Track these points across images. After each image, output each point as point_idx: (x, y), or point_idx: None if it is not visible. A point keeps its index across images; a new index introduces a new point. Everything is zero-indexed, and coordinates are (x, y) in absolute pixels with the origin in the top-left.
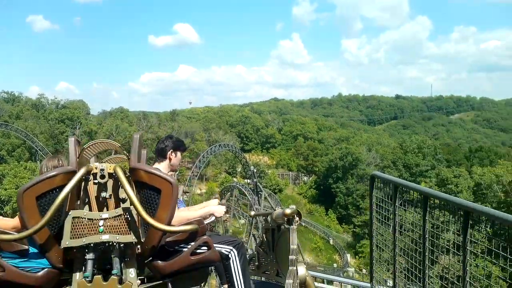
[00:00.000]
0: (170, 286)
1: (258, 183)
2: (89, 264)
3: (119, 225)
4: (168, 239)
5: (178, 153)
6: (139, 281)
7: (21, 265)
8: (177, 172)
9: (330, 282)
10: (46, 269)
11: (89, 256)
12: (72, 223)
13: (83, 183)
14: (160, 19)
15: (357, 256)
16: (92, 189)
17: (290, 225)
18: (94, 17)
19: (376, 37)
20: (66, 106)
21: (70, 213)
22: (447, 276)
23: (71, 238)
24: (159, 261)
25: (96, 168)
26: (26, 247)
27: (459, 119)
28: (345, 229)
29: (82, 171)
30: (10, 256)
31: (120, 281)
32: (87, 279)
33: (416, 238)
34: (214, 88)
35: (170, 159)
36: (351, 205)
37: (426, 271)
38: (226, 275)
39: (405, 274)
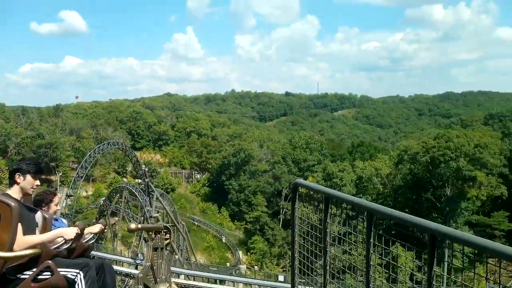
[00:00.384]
0: None
1: (150, 183)
2: None
3: None
4: (9, 266)
5: (28, 176)
6: None
7: None
8: (32, 196)
9: (222, 281)
10: None
11: None
12: None
13: None
14: (44, 4)
15: (249, 253)
16: None
17: (148, 241)
18: None
19: (268, 34)
20: None
21: None
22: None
23: None
24: None
25: None
26: None
27: (342, 115)
28: (237, 226)
29: None
30: None
31: None
32: None
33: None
34: (103, 81)
35: (17, 183)
36: (243, 201)
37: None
38: None
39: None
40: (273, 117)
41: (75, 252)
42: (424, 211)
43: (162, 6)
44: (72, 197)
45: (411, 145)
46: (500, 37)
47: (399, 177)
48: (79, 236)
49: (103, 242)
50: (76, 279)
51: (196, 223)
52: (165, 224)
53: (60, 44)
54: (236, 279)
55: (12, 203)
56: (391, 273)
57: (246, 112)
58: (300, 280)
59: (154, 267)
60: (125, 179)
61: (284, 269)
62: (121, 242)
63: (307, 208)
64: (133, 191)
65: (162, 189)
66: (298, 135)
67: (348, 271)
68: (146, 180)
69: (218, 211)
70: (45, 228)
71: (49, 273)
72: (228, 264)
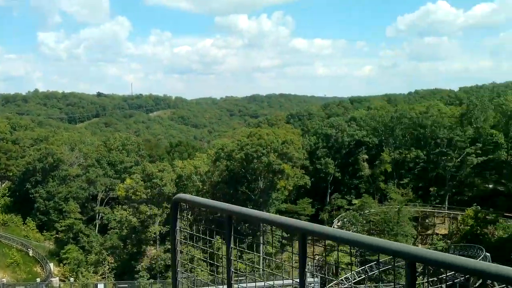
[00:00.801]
0: None
1: None
2: None
3: None
4: None
5: None
6: None
7: None
8: None
9: None
10: None
11: None
12: None
13: None
14: None
15: (61, 264)
16: None
17: None
18: None
19: (76, 32)
20: None
21: None
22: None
23: None
24: None
25: None
26: None
27: (157, 116)
28: (47, 237)
29: None
30: None
31: None
32: None
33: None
34: None
35: None
36: (53, 209)
37: None
38: None
39: None
40: (84, 119)
41: None
42: (241, 203)
43: None
44: None
45: (227, 144)
46: (296, 47)
47: (216, 174)
48: None
49: None
50: None
51: None
52: None
53: None
54: None
55: None
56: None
57: (53, 114)
58: None
59: None
60: None
61: (104, 275)
62: None
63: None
64: None
65: None
66: (113, 137)
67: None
68: None
69: (22, 222)
70: None
71: None
72: (38, 280)
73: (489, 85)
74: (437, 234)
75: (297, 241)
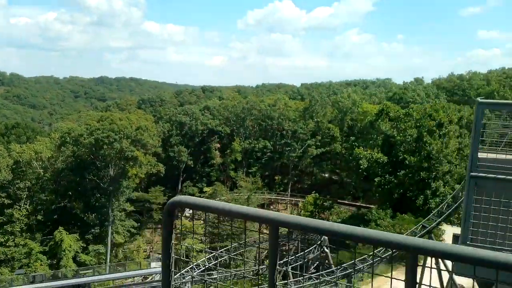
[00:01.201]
0: None
1: None
2: None
3: None
4: None
5: None
6: None
7: None
8: None
9: None
10: None
11: None
12: None
13: None
14: None
15: None
16: None
17: None
18: None
19: None
20: None
21: None
22: None
23: None
24: None
25: None
26: None
27: None
28: None
29: None
30: None
31: None
32: None
33: None
34: None
35: None
36: None
37: None
38: None
39: None
40: None
41: None
42: (89, 192)
43: None
44: None
45: (74, 128)
46: (148, 30)
47: (61, 160)
48: None
49: None
50: None
51: None
52: None
53: None
54: None
55: None
56: None
57: None
58: None
59: None
60: None
61: None
62: None
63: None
64: None
65: None
66: None
67: None
68: None
69: None
70: None
71: None
72: None
73: (326, 83)
74: None
75: None
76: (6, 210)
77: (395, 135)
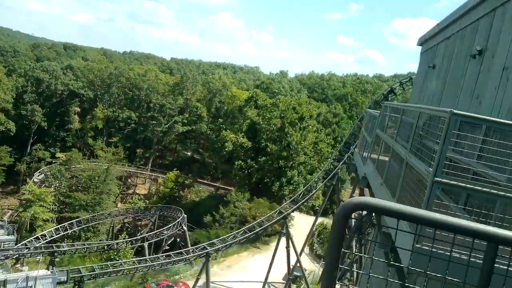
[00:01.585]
0: None
1: None
2: None
3: None
4: None
5: None
6: None
7: None
8: None
9: None
10: None
11: None
12: None
13: None
14: None
15: None
16: None
17: None
18: None
19: None
20: None
21: None
22: None
23: None
24: None
25: None
26: None
27: None
28: None
29: None
30: None
31: None
32: None
33: None
34: None
35: None
36: None
37: None
38: None
39: None
40: None
41: None
42: None
43: None
44: None
45: None
46: None
47: None
48: None
49: None
50: None
51: None
52: None
53: None
54: None
55: None
56: None
57: None
58: None
59: None
60: None
61: None
62: None
63: None
64: None
65: None
66: None
67: None
68: None
69: None
70: None
71: None
72: None
73: (196, 61)
74: (138, 194)
75: None
76: None
77: (261, 122)
